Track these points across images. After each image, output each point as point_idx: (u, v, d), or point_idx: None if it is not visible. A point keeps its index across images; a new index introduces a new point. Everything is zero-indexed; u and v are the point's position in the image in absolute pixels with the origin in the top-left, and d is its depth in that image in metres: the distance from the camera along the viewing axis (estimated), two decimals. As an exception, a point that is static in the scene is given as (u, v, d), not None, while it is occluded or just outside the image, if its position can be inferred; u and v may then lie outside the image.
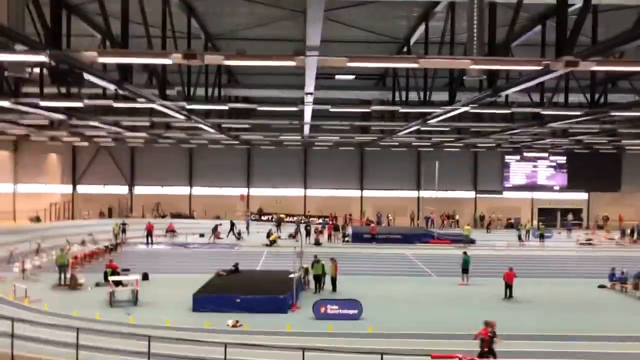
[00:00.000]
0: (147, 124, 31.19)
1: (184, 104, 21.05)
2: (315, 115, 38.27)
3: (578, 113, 20.93)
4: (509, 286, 25.39)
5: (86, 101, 20.51)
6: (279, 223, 47.45)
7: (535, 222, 52.74)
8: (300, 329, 20.11)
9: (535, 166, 56.39)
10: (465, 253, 29.71)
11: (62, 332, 16.49)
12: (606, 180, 55.74)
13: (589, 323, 21.39)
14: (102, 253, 35.10)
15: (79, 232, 41.23)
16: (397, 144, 46.44)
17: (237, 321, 20.68)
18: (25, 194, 53.04)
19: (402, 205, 55.59)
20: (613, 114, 20.51)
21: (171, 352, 16.15)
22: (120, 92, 19.30)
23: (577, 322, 21.49)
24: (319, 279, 26.10)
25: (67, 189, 54.09)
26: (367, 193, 55.84)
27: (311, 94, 18.65)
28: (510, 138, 38.92)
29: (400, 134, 35.08)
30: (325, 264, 26.42)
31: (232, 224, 44.50)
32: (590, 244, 43.51)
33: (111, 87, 17.75)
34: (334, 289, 25.88)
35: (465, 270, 28.72)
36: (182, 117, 26.27)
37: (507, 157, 55.86)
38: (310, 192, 55.45)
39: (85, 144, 50.31)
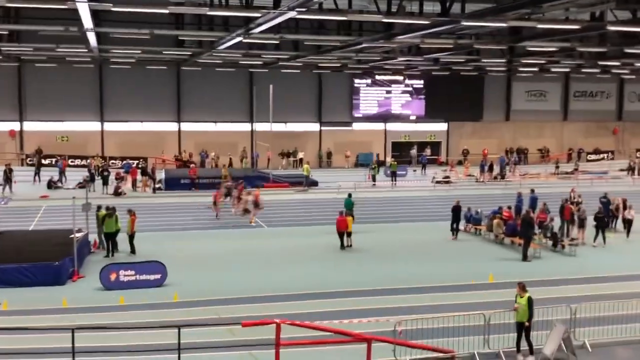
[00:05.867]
0: None
1: None
2: (105, 19, 35.90)
3: (426, 22, 21.59)
4: (342, 234, 26.45)
5: None
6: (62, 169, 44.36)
7: (388, 158, 55.42)
8: (81, 304, 19.09)
9: (388, 92, 58.76)
10: (349, 195, 30.96)
11: None
12: (467, 108, 60.01)
13: (423, 273, 22.87)
14: None
15: None
16: (221, 61, 45.51)
17: (-9, 299, 19.01)
18: None
19: (232, 142, 55.13)
20: (465, 23, 21.39)
21: None
22: None
23: (413, 273, 22.86)
24: (112, 238, 24.96)
25: None
26: (186, 126, 54.44)
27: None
28: (357, 56, 39.80)
29: (221, 47, 34.31)
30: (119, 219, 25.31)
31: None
32: (447, 182, 46.75)
33: None
34: (132, 249, 24.99)
35: (348, 214, 29.20)
36: None
37: (356, 80, 57.45)
38: (110, 126, 52.72)
39: None
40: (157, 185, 42.74)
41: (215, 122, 55.00)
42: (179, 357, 13.64)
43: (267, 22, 23.57)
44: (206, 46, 37.01)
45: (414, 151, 58.00)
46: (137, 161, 49.35)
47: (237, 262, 24.53)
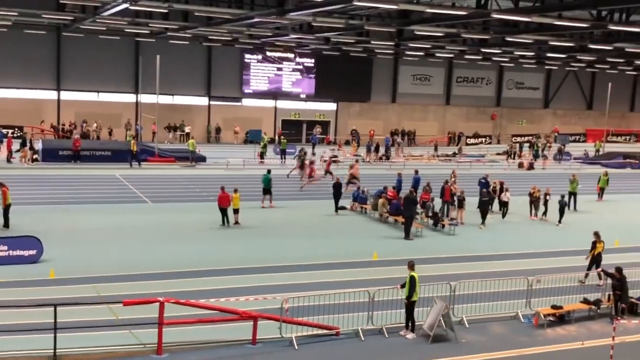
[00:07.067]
0: None
1: None
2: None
3: (319, 0, 21.49)
4: (225, 210, 26.15)
5: None
6: None
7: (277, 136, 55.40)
8: (-54, 280, 17.80)
9: (279, 69, 58.55)
10: (268, 172, 30.86)
11: None
12: (356, 89, 60.93)
13: (309, 250, 23.02)
14: None
15: None
16: (105, 29, 43.64)
17: None
18: None
19: (116, 113, 53.22)
20: (357, 3, 21.49)
21: None
22: None
23: (300, 250, 22.99)
24: (-17, 211, 23.48)
25: None
26: (66, 95, 51.97)
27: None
28: (248, 30, 39.27)
29: (106, 13, 32.82)
30: None
31: None
32: (335, 161, 47.21)
33: None
34: (6, 223, 23.64)
35: (266, 191, 30.18)
36: None
37: (246, 55, 56.83)
38: (-17, 93, 49.54)
39: None
40: (34, 157, 40.61)
41: (97, 92, 52.86)
42: (55, 337, 13.07)
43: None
44: (89, 11, 35.27)
45: (319, 129, 58.69)
46: (12, 130, 46.65)
47: (120, 238, 23.72)
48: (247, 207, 28.20)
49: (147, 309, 14.16)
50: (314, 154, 47.62)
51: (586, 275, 19.99)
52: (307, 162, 39.13)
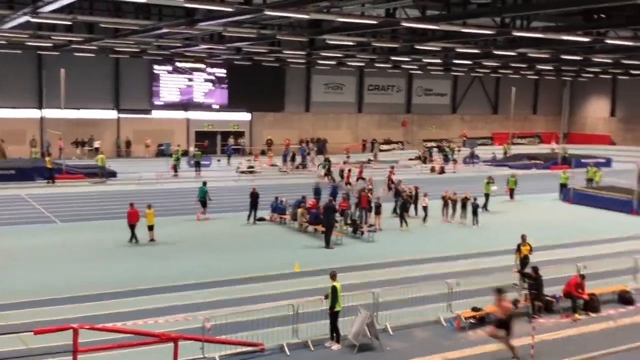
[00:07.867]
0: None
1: None
2: None
3: (229, 10, 21.12)
4: (132, 227, 25.27)
5: None
6: None
7: (191, 148, 54.38)
8: None
9: (190, 80, 57.63)
10: (204, 184, 31.00)
11: None
12: (270, 98, 60.69)
13: (229, 265, 22.50)
14: None
15: None
16: (5, 42, 41.65)
17: None
18: None
19: (19, 129, 50.86)
20: (268, 13, 21.26)
21: None
22: None
23: (219, 265, 22.39)
24: None
25: None
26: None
27: None
28: (157, 42, 38.36)
29: (6, 26, 31.23)
30: None
31: None
32: (251, 171, 46.84)
33: None
34: None
35: (203, 203, 30.36)
36: None
37: (155, 67, 55.65)
38: None
39: None
40: None
41: (-1, 107, 50.51)
42: (-42, 374, 12.11)
43: (57, 0, 21.66)
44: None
45: (242, 140, 59.46)
46: None
47: (28, 261, 22.47)
48: (163, 223, 27.41)
49: (61, 336, 13.34)
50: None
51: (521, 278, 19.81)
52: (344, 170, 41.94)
